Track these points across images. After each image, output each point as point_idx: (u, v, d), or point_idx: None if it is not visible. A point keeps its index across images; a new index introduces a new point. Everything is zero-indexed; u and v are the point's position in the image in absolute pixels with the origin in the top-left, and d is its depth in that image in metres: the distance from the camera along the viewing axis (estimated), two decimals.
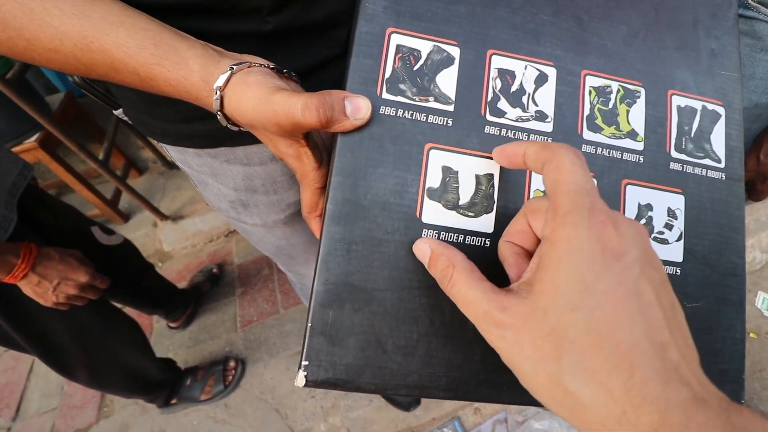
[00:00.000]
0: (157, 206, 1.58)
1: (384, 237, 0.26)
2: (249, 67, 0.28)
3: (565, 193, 0.19)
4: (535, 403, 0.26)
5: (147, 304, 1.23)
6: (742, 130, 0.32)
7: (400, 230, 0.26)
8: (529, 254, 0.24)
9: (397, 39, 0.28)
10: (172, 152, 0.50)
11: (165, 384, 1.17)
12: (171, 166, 1.79)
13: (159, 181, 1.78)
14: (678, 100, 0.31)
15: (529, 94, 0.29)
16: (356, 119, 0.26)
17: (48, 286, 0.68)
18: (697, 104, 0.31)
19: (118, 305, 1.09)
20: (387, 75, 0.27)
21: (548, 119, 0.29)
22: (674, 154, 0.31)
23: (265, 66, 0.29)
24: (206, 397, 1.22)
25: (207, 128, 0.43)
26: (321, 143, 0.32)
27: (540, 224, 0.22)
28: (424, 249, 0.24)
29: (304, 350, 0.25)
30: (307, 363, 0.24)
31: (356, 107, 0.26)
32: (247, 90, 0.26)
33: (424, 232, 0.26)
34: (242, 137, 0.44)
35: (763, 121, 0.59)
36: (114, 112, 0.51)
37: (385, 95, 0.27)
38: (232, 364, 1.28)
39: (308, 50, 0.39)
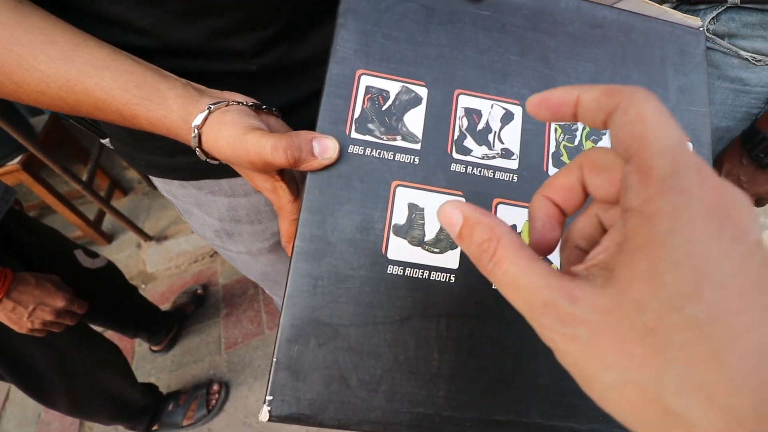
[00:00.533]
0: (141, 227, 1.56)
1: (350, 273, 0.26)
2: (227, 105, 0.29)
3: (660, 152, 0.14)
4: None
5: (130, 328, 1.20)
6: (711, 164, 0.33)
7: (365, 266, 0.26)
8: (562, 222, 0.19)
9: (366, 80, 0.29)
10: (157, 182, 0.51)
11: (147, 410, 1.13)
12: (156, 186, 1.78)
13: (143, 202, 1.76)
14: None
15: (495, 132, 0.30)
16: (324, 159, 0.27)
17: (23, 312, 0.66)
18: None
19: (100, 329, 1.07)
20: (356, 115, 0.28)
21: (514, 156, 0.30)
22: None
23: (243, 104, 0.30)
24: (188, 423, 1.18)
25: (191, 161, 0.43)
26: (298, 176, 0.33)
27: (602, 184, 0.18)
28: (451, 215, 0.18)
29: (269, 385, 0.25)
30: (271, 398, 0.25)
31: (324, 148, 0.27)
32: (223, 129, 0.27)
33: (389, 268, 0.27)
34: (226, 170, 0.44)
35: (724, 143, 0.62)
36: (101, 140, 0.52)
37: (354, 134, 0.28)
38: (215, 387, 1.25)
39: (292, 87, 0.40)
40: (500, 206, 0.29)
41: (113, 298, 1.07)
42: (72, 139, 1.60)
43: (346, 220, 0.27)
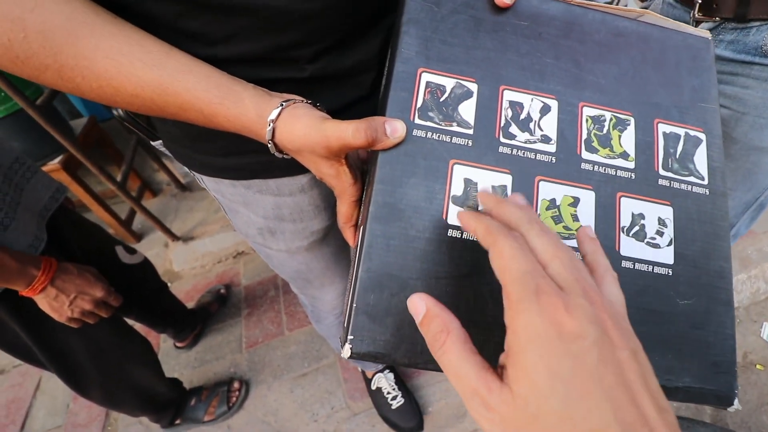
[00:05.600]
0: (169, 227, 1.62)
1: (416, 235, 0.31)
2: (295, 103, 0.33)
3: (512, 281, 0.20)
4: None
5: (159, 323, 1.25)
6: (722, 153, 0.37)
7: (429, 229, 0.31)
8: None
9: (426, 77, 0.33)
10: (207, 182, 0.54)
11: (172, 404, 1.17)
12: (184, 188, 1.85)
13: (172, 203, 1.83)
14: (663, 128, 0.36)
15: (535, 122, 0.34)
16: (394, 138, 0.31)
17: (65, 300, 0.69)
18: (681, 131, 0.37)
19: (129, 323, 1.11)
20: (419, 105, 0.33)
21: (552, 142, 0.34)
22: (662, 172, 0.36)
23: (306, 102, 0.34)
24: (209, 418, 1.21)
25: (244, 162, 0.47)
26: (354, 164, 0.37)
27: None
28: (418, 305, 0.24)
29: (350, 327, 0.29)
30: (352, 338, 0.28)
31: (394, 128, 0.31)
32: (298, 121, 0.32)
33: (449, 232, 0.31)
34: (275, 170, 0.49)
35: None
36: (152, 143, 0.55)
37: (417, 121, 0.32)
38: (236, 385, 1.28)
39: (338, 92, 0.43)
40: (541, 182, 0.33)
41: (147, 293, 1.12)
42: (108, 141, 1.68)
43: (412, 191, 0.31)
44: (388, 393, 1.17)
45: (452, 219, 0.31)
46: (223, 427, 1.23)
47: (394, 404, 1.16)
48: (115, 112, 0.52)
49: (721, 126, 0.38)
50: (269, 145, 0.33)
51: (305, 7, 0.34)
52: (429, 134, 0.32)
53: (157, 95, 0.31)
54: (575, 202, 0.33)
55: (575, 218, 0.33)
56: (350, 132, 0.30)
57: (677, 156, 0.36)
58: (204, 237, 1.65)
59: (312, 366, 1.34)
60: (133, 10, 0.32)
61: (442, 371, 0.29)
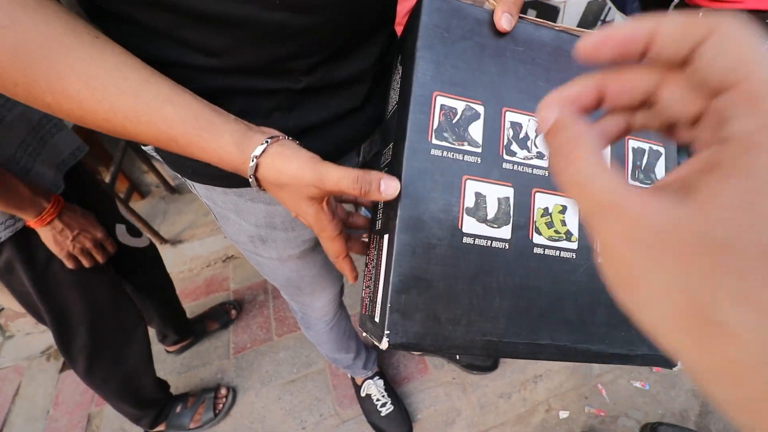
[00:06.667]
0: (158, 230, 1.61)
1: (436, 242, 0.35)
2: (279, 140, 0.33)
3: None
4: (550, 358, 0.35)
5: (147, 310, 1.22)
6: (677, 164, 0.43)
7: (447, 237, 0.35)
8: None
9: (441, 100, 0.37)
10: (198, 188, 0.54)
11: (155, 404, 1.15)
12: (173, 190, 1.84)
13: (160, 205, 1.82)
14: (632, 143, 0.42)
15: (532, 140, 0.39)
16: (386, 196, 0.33)
17: (68, 235, 0.75)
18: (646, 146, 0.42)
19: None
20: (435, 126, 0.37)
21: (546, 158, 0.39)
22: (630, 181, 0.41)
23: (289, 139, 0.35)
24: (195, 426, 1.21)
25: None
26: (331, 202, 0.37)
27: (678, 102, 0.17)
28: (546, 117, 0.18)
29: (386, 323, 0.33)
30: (388, 332, 0.33)
31: (388, 187, 0.33)
32: (289, 160, 0.32)
33: (463, 239, 0.35)
34: None
35: None
36: (143, 146, 0.56)
37: (434, 141, 0.36)
38: (223, 391, 1.28)
39: (332, 103, 0.45)
40: (537, 194, 0.38)
41: (143, 281, 1.12)
42: (96, 142, 1.66)
43: (432, 204, 0.35)
44: (378, 400, 1.19)
45: (466, 228, 0.36)
46: None
47: (384, 411, 1.18)
48: None
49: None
50: (250, 180, 0.34)
51: (303, 21, 0.35)
52: (444, 153, 0.36)
53: (130, 122, 0.30)
54: (563, 209, 0.39)
55: (563, 223, 0.39)
56: (348, 180, 0.31)
57: (642, 168, 0.42)
58: (193, 240, 1.65)
59: (301, 372, 1.34)
60: (128, 19, 0.33)
61: (460, 353, 0.34)
